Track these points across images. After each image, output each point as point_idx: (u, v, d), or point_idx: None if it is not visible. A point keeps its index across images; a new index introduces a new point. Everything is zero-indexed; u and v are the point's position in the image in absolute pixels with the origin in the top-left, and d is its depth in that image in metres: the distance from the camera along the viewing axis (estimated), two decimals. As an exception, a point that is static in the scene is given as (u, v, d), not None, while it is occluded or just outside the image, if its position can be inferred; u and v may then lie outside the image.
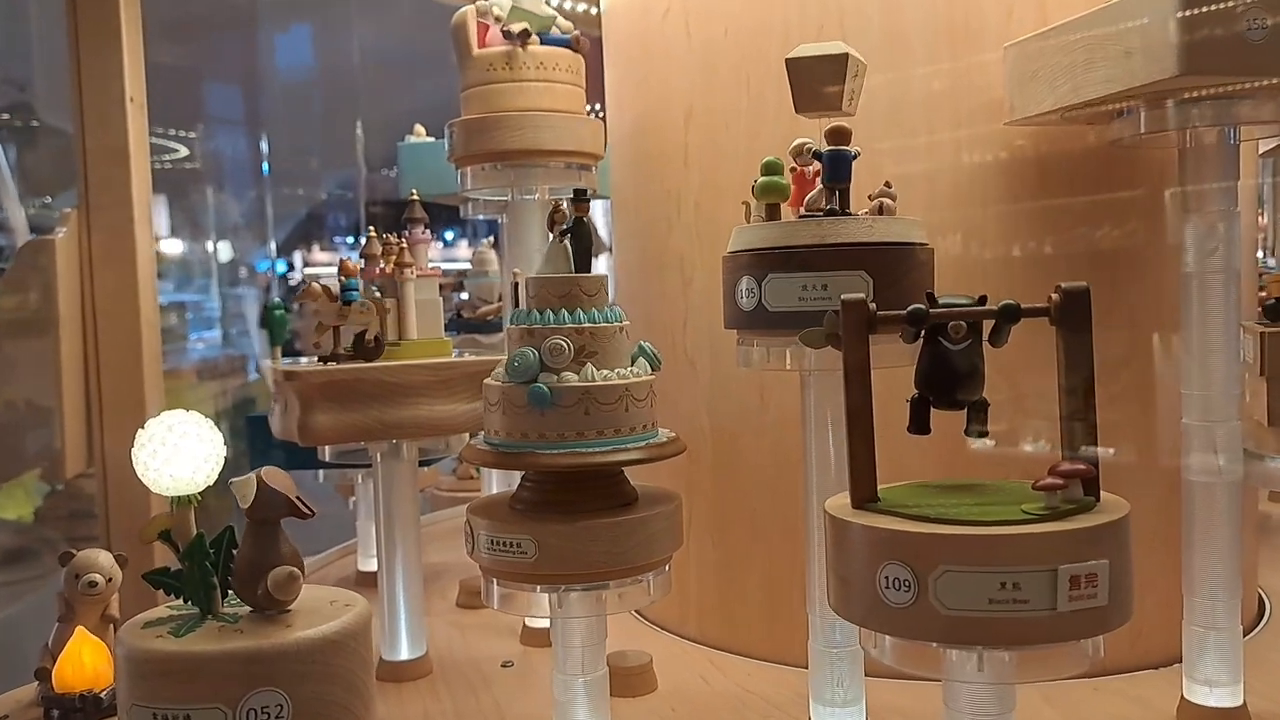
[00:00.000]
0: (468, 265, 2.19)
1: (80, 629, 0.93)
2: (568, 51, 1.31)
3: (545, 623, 1.38)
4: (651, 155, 1.40)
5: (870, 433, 0.79)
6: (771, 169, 0.91)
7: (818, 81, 0.94)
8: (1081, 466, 0.75)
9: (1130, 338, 1.20)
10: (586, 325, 0.93)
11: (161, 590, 0.77)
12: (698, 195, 1.33)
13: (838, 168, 0.92)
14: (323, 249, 4.80)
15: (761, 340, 0.98)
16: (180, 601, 0.75)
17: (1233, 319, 1.03)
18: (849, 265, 0.92)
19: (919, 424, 0.80)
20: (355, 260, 1.33)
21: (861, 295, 0.80)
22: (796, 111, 0.97)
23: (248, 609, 0.74)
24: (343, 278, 1.45)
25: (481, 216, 1.83)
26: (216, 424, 0.83)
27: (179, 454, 0.75)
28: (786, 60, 0.94)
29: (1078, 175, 1.18)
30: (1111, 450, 0.84)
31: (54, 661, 0.93)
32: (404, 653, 1.27)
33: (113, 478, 1.39)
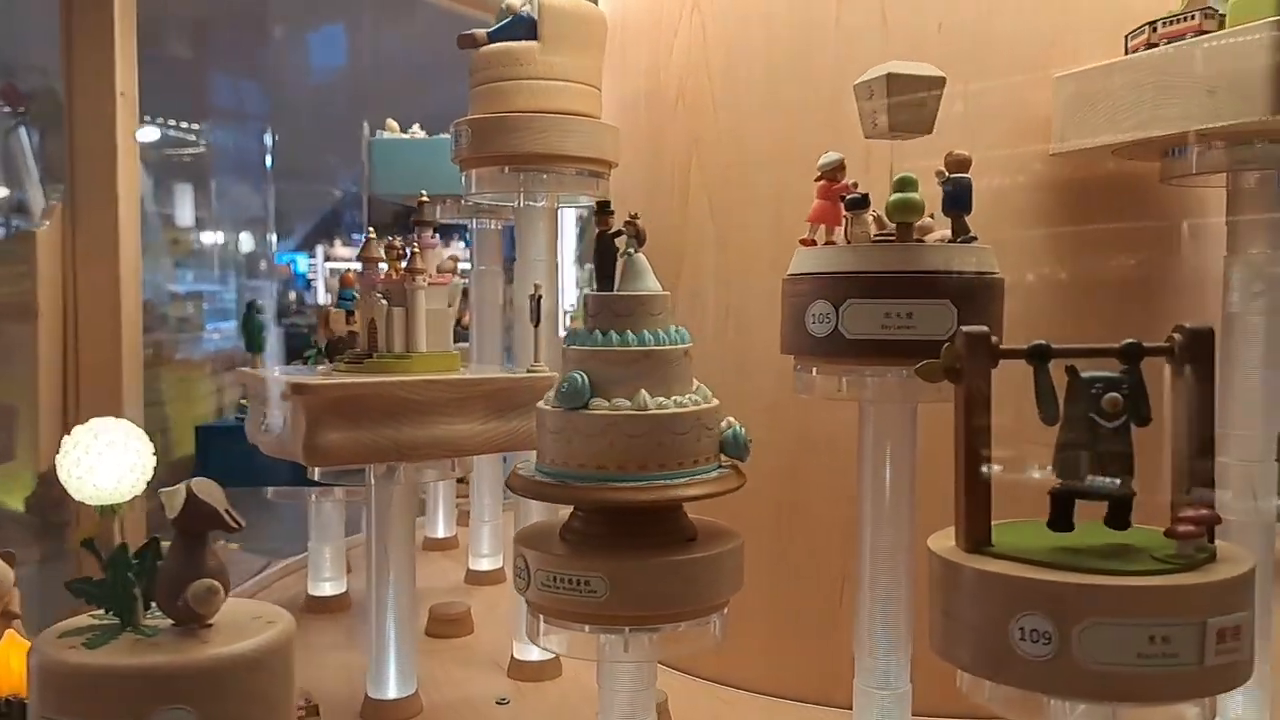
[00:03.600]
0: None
1: (10, 632, 0.89)
2: (588, 51, 1.24)
3: (537, 654, 1.30)
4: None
5: (988, 473, 0.75)
6: (907, 185, 0.87)
7: (917, 101, 0.90)
8: (1210, 513, 0.73)
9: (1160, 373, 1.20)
10: (688, 345, 0.87)
11: (84, 600, 0.74)
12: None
13: (964, 194, 0.88)
14: (344, 244, 4.67)
15: (833, 367, 0.94)
16: (103, 611, 0.73)
17: (1275, 359, 1.04)
18: (936, 294, 0.88)
19: (1063, 520, 0.75)
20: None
21: (985, 328, 0.76)
22: (888, 128, 0.93)
23: (170, 622, 0.72)
24: (343, 288, 1.35)
25: (452, 220, 1.75)
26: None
27: (103, 463, 0.74)
28: (889, 75, 0.89)
29: (1112, 204, 1.17)
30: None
31: None
32: (391, 691, 1.18)
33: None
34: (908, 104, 0.88)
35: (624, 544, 0.86)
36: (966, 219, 0.93)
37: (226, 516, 0.73)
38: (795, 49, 1.22)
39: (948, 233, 0.94)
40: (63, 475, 0.75)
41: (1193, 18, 0.97)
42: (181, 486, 0.73)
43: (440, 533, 1.97)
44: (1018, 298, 1.14)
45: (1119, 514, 0.75)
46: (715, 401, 0.89)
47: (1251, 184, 1.02)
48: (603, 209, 0.90)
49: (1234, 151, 1.00)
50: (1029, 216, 1.17)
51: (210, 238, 3.91)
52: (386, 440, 1.04)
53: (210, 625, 0.71)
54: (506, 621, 1.49)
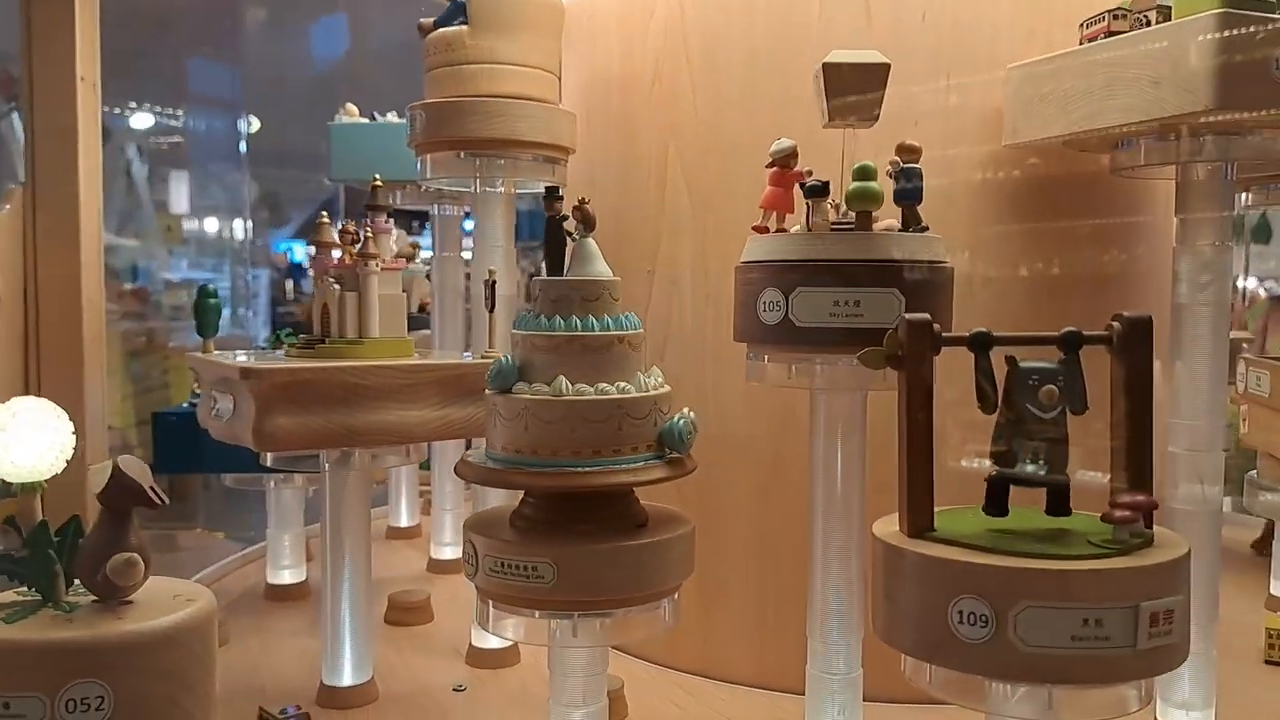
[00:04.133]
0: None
1: None
2: (527, 35, 1.24)
3: (495, 642, 1.31)
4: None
5: (930, 458, 0.76)
6: (866, 174, 0.87)
7: (855, 90, 0.90)
8: (1146, 499, 0.73)
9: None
10: (627, 332, 0.87)
11: (5, 576, 0.76)
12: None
13: (915, 184, 0.89)
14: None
15: (783, 355, 0.94)
16: (25, 588, 0.74)
17: (1222, 351, 1.05)
18: (883, 283, 0.88)
19: (998, 504, 0.76)
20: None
21: (927, 316, 0.76)
22: (828, 119, 0.93)
23: (89, 599, 0.73)
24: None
25: (409, 206, 1.74)
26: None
27: (22, 440, 0.74)
28: (824, 65, 0.90)
29: (1072, 199, 1.19)
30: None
31: None
32: (347, 678, 1.17)
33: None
34: (845, 93, 0.88)
35: (573, 530, 0.86)
36: (918, 209, 0.93)
37: (150, 493, 0.75)
38: (777, 36, 1.20)
39: (895, 222, 0.94)
40: None
41: (1122, 17, 0.98)
42: (109, 462, 0.75)
43: (403, 521, 1.96)
44: (968, 291, 1.16)
45: (1057, 501, 0.76)
46: (653, 391, 0.88)
47: (1200, 177, 1.04)
48: (551, 194, 0.90)
49: (1182, 144, 1.01)
50: (985, 213, 1.17)
51: (205, 225, 3.90)
52: (337, 426, 1.03)
53: (130, 602, 0.72)
54: (467, 610, 1.49)
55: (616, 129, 1.35)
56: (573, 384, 0.85)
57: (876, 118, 0.92)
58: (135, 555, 0.74)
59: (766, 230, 0.94)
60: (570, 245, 0.90)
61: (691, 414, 0.89)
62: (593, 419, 0.84)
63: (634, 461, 0.86)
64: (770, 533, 1.22)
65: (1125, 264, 1.23)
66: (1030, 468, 0.75)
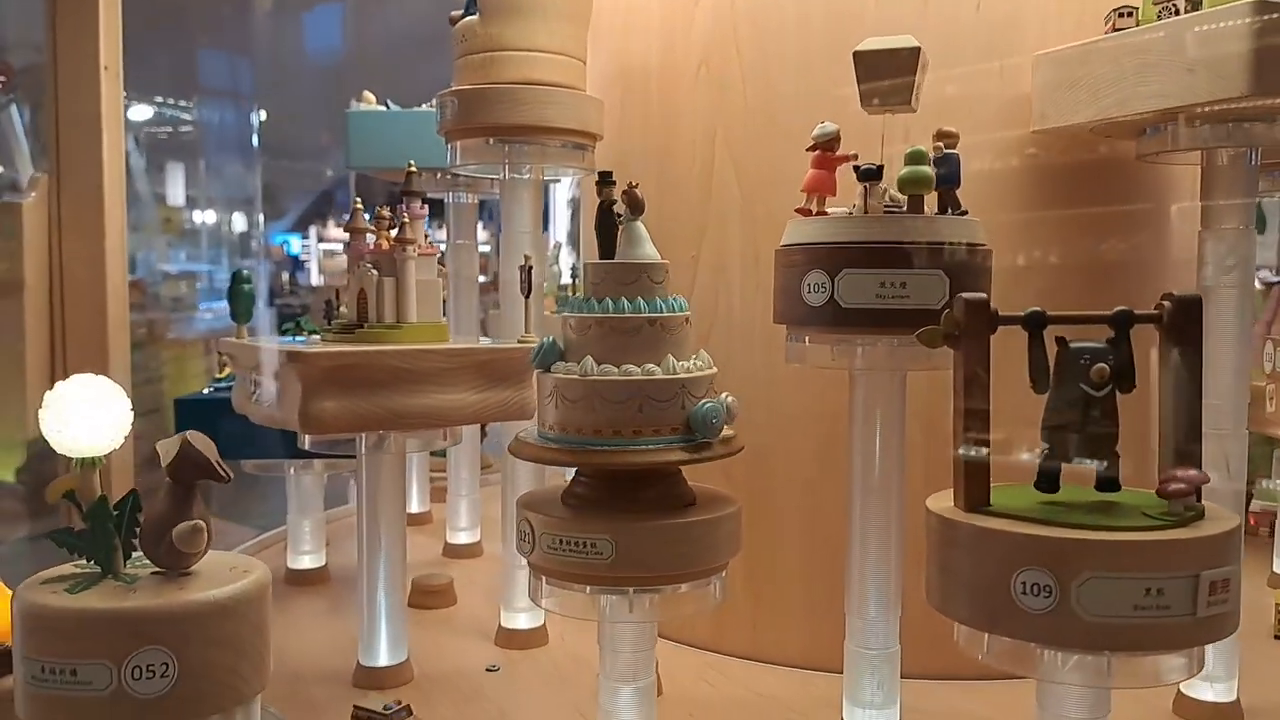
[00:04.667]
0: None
1: None
2: (573, 20, 1.25)
3: (525, 623, 1.32)
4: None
5: (987, 435, 0.78)
6: (919, 158, 0.88)
7: (887, 75, 0.92)
8: (1199, 474, 0.76)
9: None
10: (661, 315, 0.88)
11: (66, 550, 0.77)
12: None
13: (954, 169, 0.91)
14: (338, 225, 4.62)
15: (827, 336, 0.96)
16: (84, 561, 0.76)
17: (1245, 333, 1.08)
18: (930, 265, 0.90)
19: (1051, 481, 0.78)
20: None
21: (984, 295, 0.78)
22: (862, 105, 0.95)
23: (148, 572, 0.75)
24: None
25: (429, 193, 1.74)
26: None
27: (82, 417, 0.76)
28: (855, 53, 0.91)
29: (1094, 185, 1.21)
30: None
31: None
32: (383, 658, 1.18)
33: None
34: (876, 78, 0.90)
35: (626, 508, 0.87)
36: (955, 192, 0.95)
37: (217, 468, 0.77)
38: (831, 26, 1.20)
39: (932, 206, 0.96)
40: (44, 428, 0.77)
41: (1128, 14, 1.01)
42: (177, 437, 0.77)
43: (414, 507, 1.97)
44: (1006, 281, 1.18)
45: (1108, 476, 0.78)
46: (680, 374, 0.88)
47: (1225, 161, 1.06)
48: (604, 179, 0.91)
49: (1210, 130, 1.03)
50: (1011, 198, 1.20)
51: (202, 217, 3.87)
52: (381, 409, 1.04)
53: (189, 573, 0.74)
54: (488, 593, 1.50)
55: (656, 117, 1.34)
56: (603, 365, 0.86)
57: (911, 102, 0.93)
58: (200, 523, 0.76)
59: (809, 213, 0.95)
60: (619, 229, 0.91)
61: (729, 399, 0.89)
62: (612, 399, 0.85)
63: (657, 443, 0.86)
64: (820, 517, 1.23)
65: (1136, 250, 1.25)
66: (1080, 446, 0.77)
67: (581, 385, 0.85)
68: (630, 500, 0.88)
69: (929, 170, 0.89)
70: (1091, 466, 0.78)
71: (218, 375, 1.51)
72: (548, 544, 0.87)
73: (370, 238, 1.16)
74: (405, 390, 1.05)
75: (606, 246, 0.92)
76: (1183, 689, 1.12)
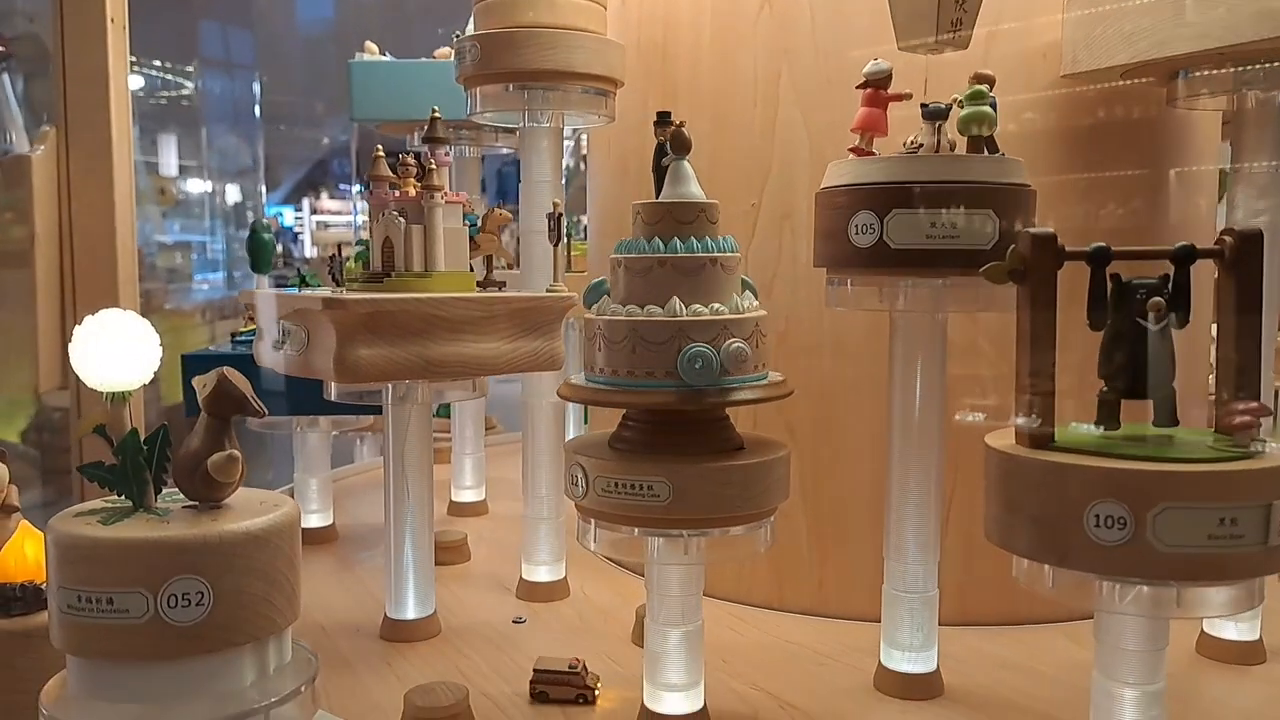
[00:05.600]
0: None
1: (24, 523, 0.93)
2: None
3: (546, 575, 1.31)
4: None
5: (1053, 371, 0.78)
6: (980, 97, 0.87)
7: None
8: (1262, 406, 0.76)
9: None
10: (723, 254, 0.87)
11: (96, 483, 0.78)
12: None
13: (994, 112, 0.90)
14: (331, 196, 4.54)
15: (874, 279, 0.95)
16: (114, 495, 0.76)
17: (1274, 274, 1.08)
18: (979, 204, 0.90)
19: (1111, 418, 0.78)
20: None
21: (1051, 230, 0.78)
22: (899, 42, 0.94)
23: (178, 505, 0.76)
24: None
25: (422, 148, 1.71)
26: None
27: (114, 351, 0.76)
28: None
29: (1123, 140, 1.21)
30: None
31: None
32: (410, 611, 1.17)
33: (85, 393, 1.37)
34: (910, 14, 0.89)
35: (680, 451, 0.86)
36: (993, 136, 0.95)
37: (252, 402, 0.78)
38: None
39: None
40: (74, 362, 0.77)
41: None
42: (214, 372, 0.78)
43: (413, 467, 1.95)
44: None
45: (1165, 410, 0.79)
46: (755, 313, 0.88)
47: (1255, 104, 1.06)
48: (662, 119, 0.90)
49: (1242, 73, 1.03)
50: (1040, 151, 1.19)
51: (202, 188, 3.81)
52: (415, 358, 1.02)
53: (219, 507, 0.75)
54: (500, 549, 1.50)
55: (709, 57, 1.29)
56: (665, 306, 0.86)
57: (952, 39, 0.92)
58: (236, 453, 0.76)
59: (870, 153, 0.94)
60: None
61: (734, 345, 0.84)
62: (652, 340, 0.85)
63: (758, 379, 0.87)
64: (818, 459, 1.23)
65: (1153, 207, 1.26)
66: (1137, 380, 0.78)
67: (665, 327, 0.84)
68: (682, 444, 0.88)
69: (990, 110, 0.88)
70: (1148, 391, 0.79)
71: (239, 331, 1.48)
72: (601, 487, 0.86)
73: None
74: (440, 338, 1.03)
75: (660, 186, 0.91)
76: (1205, 627, 1.13)
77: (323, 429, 1.55)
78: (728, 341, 0.85)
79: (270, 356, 1.12)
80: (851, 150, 0.95)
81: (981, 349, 1.17)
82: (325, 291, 1.06)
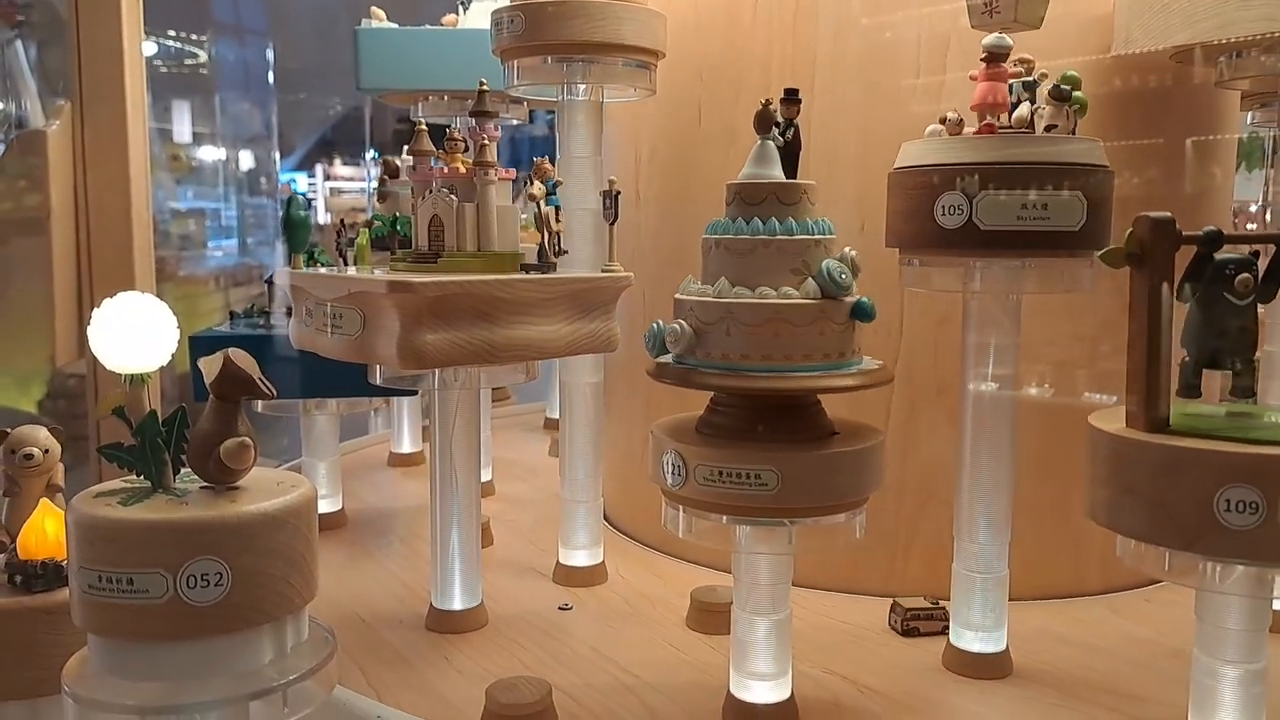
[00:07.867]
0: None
1: (44, 501, 0.93)
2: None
3: (584, 560, 1.29)
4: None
5: (1168, 355, 0.78)
6: (1076, 82, 0.87)
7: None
8: (1371, 388, 0.77)
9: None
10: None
11: (115, 464, 0.78)
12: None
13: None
14: (345, 163, 4.38)
15: (960, 260, 0.94)
16: (133, 476, 0.77)
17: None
18: (1070, 186, 0.90)
19: (1192, 388, 0.79)
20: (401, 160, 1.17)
21: (1169, 214, 0.78)
22: (974, 22, 0.93)
23: (197, 486, 0.76)
24: (385, 176, 1.27)
25: (433, 119, 1.66)
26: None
27: (132, 334, 0.77)
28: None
29: (1159, 115, 1.22)
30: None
31: (7, 533, 0.93)
32: (457, 602, 1.14)
33: (101, 367, 1.29)
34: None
35: (780, 439, 0.85)
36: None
37: (260, 384, 0.77)
38: None
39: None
40: (93, 345, 0.78)
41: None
42: (219, 354, 0.77)
43: (405, 448, 1.91)
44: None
45: (1244, 385, 0.80)
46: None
47: (1298, 86, 1.08)
48: (790, 96, 0.88)
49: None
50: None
51: (211, 154, 3.68)
52: (479, 341, 0.98)
53: (237, 488, 0.75)
54: (518, 532, 1.47)
55: (777, 24, 1.26)
56: (760, 288, 0.84)
57: (1018, 17, 0.92)
58: (247, 439, 0.76)
59: (995, 129, 0.93)
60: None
61: (852, 252, 0.87)
62: (746, 322, 0.84)
63: (816, 369, 0.85)
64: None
65: (1195, 182, 1.27)
66: (1222, 354, 0.79)
67: (765, 309, 0.82)
68: (786, 430, 0.86)
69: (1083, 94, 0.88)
70: (1229, 373, 0.80)
71: (249, 307, 1.42)
72: (703, 476, 0.84)
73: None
74: (504, 321, 0.99)
75: (790, 166, 0.89)
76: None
77: (331, 410, 1.50)
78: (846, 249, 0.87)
79: (312, 340, 1.07)
80: (985, 127, 0.93)
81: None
82: (379, 274, 1.02)
